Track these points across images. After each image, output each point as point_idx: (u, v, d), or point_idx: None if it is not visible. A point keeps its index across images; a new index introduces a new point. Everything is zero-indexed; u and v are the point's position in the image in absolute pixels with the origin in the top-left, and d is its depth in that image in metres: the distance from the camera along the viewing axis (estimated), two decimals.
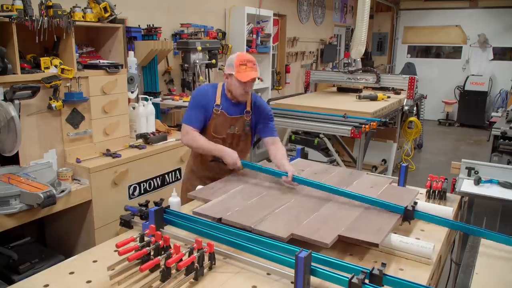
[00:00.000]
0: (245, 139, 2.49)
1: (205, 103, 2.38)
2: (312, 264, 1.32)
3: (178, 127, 4.42)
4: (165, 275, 1.36)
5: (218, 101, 2.38)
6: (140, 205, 1.78)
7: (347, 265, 1.35)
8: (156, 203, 1.73)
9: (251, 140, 2.57)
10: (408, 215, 1.82)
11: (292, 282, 1.33)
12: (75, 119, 2.87)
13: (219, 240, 1.56)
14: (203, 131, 2.39)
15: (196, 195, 2.06)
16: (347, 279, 1.27)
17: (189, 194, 2.09)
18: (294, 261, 1.28)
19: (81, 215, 2.82)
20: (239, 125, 2.42)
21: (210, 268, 1.48)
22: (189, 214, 1.78)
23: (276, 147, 2.42)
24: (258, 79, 2.45)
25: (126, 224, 1.77)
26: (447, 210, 1.95)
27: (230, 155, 2.26)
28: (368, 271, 1.27)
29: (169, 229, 1.71)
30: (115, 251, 1.61)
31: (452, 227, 1.87)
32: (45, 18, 2.59)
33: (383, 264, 1.31)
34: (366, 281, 1.25)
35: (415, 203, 1.93)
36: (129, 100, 3.42)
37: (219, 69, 5.10)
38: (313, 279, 1.34)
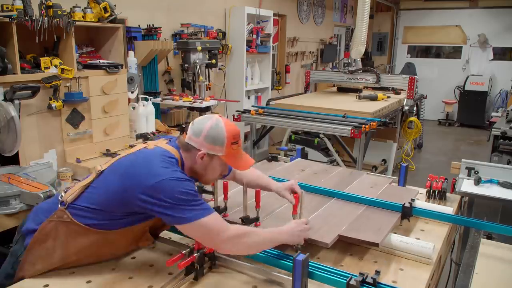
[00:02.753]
0: None
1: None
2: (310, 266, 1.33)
3: (178, 127, 4.43)
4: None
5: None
6: None
7: (341, 273, 1.34)
8: None
9: None
10: (406, 212, 1.83)
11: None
12: (75, 119, 2.87)
13: None
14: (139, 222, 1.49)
15: None
16: (345, 282, 1.27)
17: None
18: (292, 264, 1.28)
19: None
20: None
21: (210, 268, 1.48)
22: None
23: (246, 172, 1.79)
24: None
25: None
26: (447, 210, 1.95)
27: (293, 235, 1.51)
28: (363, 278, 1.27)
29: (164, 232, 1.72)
30: None
31: (450, 221, 1.88)
32: (45, 18, 2.59)
33: (377, 272, 1.31)
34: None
35: (413, 200, 1.93)
36: (129, 100, 3.42)
37: (219, 69, 5.11)
38: (311, 282, 1.34)
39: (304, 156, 2.87)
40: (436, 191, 2.22)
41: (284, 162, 2.71)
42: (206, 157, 1.49)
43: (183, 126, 4.59)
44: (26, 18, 2.51)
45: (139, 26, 4.06)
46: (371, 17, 8.35)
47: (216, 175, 1.60)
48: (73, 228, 1.41)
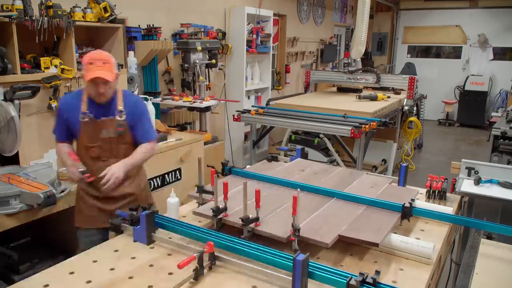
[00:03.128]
0: (124, 141, 2.26)
1: (68, 115, 2.21)
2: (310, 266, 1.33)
3: (178, 127, 4.43)
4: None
5: (84, 109, 2.18)
6: (131, 209, 1.79)
7: (341, 273, 1.34)
8: (144, 208, 1.74)
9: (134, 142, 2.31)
10: (406, 212, 1.83)
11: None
12: None
13: (214, 244, 1.56)
14: (77, 143, 2.26)
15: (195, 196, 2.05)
16: (345, 282, 1.27)
17: (189, 194, 2.09)
18: (292, 264, 1.28)
19: None
20: (111, 126, 2.21)
21: (210, 268, 1.49)
22: (178, 220, 1.79)
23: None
24: (104, 81, 2.10)
25: (116, 228, 1.77)
26: (447, 210, 1.95)
27: (70, 170, 2.18)
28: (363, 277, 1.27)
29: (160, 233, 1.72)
30: (115, 250, 1.62)
31: (450, 221, 1.88)
32: (45, 18, 2.59)
33: (377, 272, 1.31)
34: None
35: (413, 200, 1.93)
36: None
37: (219, 69, 5.11)
38: (311, 282, 1.34)
39: (304, 156, 2.87)
40: (436, 191, 2.22)
41: (284, 162, 2.71)
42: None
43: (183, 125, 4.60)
44: (26, 18, 2.51)
45: (139, 26, 4.06)
46: (371, 17, 8.35)
47: (92, 92, 2.14)
48: None
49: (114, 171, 2.12)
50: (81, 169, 2.12)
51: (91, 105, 2.19)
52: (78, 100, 2.20)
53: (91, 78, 2.05)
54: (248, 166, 2.62)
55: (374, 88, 6.26)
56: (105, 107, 2.21)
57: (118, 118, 2.21)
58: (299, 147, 2.57)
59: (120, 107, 2.23)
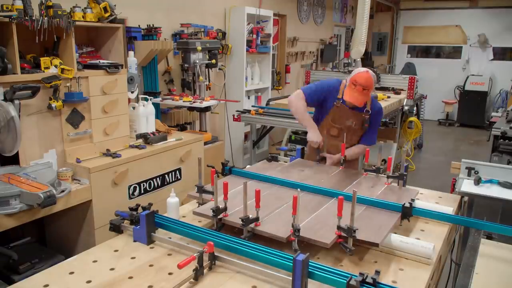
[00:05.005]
0: (359, 134, 2.78)
1: (327, 94, 2.73)
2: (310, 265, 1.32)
3: (178, 127, 4.43)
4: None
5: (340, 95, 2.70)
6: (131, 209, 1.79)
7: (341, 273, 1.34)
8: (144, 208, 1.74)
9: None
10: (406, 212, 1.83)
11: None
12: (75, 119, 2.87)
13: (214, 244, 1.56)
14: (323, 119, 2.79)
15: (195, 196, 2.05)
16: (345, 282, 1.27)
17: (189, 194, 2.09)
18: (292, 264, 1.28)
19: (81, 215, 2.82)
20: (357, 120, 2.70)
21: (210, 268, 1.49)
22: (178, 220, 1.79)
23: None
24: (363, 106, 2.67)
25: (116, 228, 1.77)
26: (447, 210, 1.95)
27: (315, 133, 2.67)
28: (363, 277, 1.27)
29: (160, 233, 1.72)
30: (115, 250, 1.62)
31: (450, 221, 1.88)
32: (45, 18, 2.59)
33: (377, 272, 1.31)
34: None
35: (413, 200, 1.93)
36: (129, 100, 3.42)
37: (219, 69, 5.11)
38: (311, 282, 1.34)
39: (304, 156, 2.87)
40: None
41: (284, 162, 2.71)
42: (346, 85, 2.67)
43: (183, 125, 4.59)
44: (26, 18, 2.51)
45: (139, 26, 4.05)
46: (371, 17, 8.35)
47: (346, 100, 2.65)
48: None
49: (334, 161, 2.66)
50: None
51: None
52: (338, 87, 2.74)
53: (351, 101, 2.58)
54: (248, 166, 2.62)
55: (374, 88, 6.25)
56: None
57: (364, 115, 2.70)
58: (299, 147, 2.58)
59: (369, 107, 2.69)
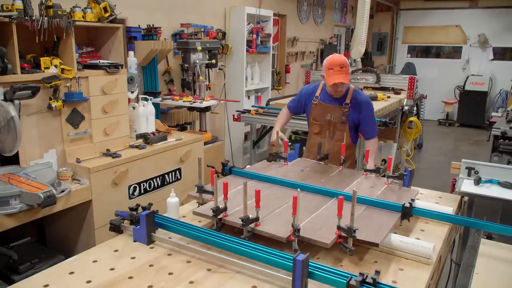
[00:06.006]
0: (341, 129, 2.83)
1: (307, 98, 2.95)
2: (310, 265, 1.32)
3: (178, 127, 4.43)
4: None
5: (317, 94, 2.91)
6: (131, 209, 1.78)
7: (341, 273, 1.34)
8: (144, 208, 1.74)
9: (352, 135, 2.89)
10: (406, 212, 1.83)
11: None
12: (75, 119, 2.87)
13: (214, 244, 1.56)
14: (308, 120, 3.01)
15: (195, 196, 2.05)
16: (345, 282, 1.27)
17: (189, 194, 2.09)
18: (292, 264, 1.28)
19: (81, 215, 2.82)
20: (335, 113, 2.83)
21: (210, 269, 1.49)
22: (178, 220, 1.79)
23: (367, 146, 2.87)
24: (342, 98, 2.81)
25: (116, 228, 1.77)
26: (447, 210, 1.95)
27: (273, 133, 2.88)
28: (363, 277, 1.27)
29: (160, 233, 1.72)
30: (115, 250, 1.62)
31: (450, 221, 1.88)
32: (45, 18, 2.58)
33: (377, 272, 1.30)
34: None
35: (413, 200, 1.93)
36: (129, 100, 3.42)
37: (219, 69, 5.10)
38: (311, 282, 1.34)
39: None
40: None
41: (284, 158, 2.67)
42: (323, 77, 2.76)
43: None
44: (26, 18, 2.51)
45: (139, 26, 4.05)
46: (371, 17, 8.35)
47: (328, 89, 2.79)
48: None
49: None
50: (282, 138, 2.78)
51: (323, 93, 2.88)
52: (315, 88, 2.95)
53: (334, 83, 2.63)
54: (248, 166, 2.62)
55: (374, 88, 6.26)
56: (335, 97, 2.82)
57: (342, 108, 2.79)
58: (297, 144, 2.60)
59: (348, 100, 2.79)
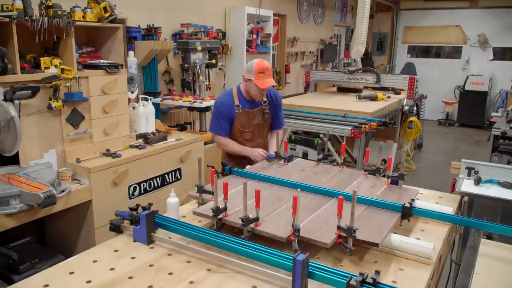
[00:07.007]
0: (267, 125, 3.01)
1: (226, 110, 2.86)
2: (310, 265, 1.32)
3: (178, 127, 4.43)
4: None
5: (237, 102, 2.87)
6: (131, 209, 1.78)
7: (341, 273, 1.33)
8: (144, 208, 1.73)
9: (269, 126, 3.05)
10: (406, 212, 1.83)
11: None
12: (75, 119, 2.87)
13: (214, 244, 1.56)
14: (232, 128, 2.92)
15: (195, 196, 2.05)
16: (345, 282, 1.27)
17: (189, 194, 2.09)
18: (292, 264, 1.28)
19: (81, 215, 2.82)
20: (260, 115, 2.93)
21: (209, 269, 1.49)
22: (178, 220, 1.79)
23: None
24: (273, 86, 2.90)
25: (116, 228, 1.77)
26: (447, 210, 1.95)
27: (253, 151, 2.82)
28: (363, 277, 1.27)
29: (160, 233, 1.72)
30: (115, 250, 1.62)
31: (450, 221, 1.88)
32: (45, 18, 2.58)
33: (377, 272, 1.30)
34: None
35: (413, 200, 1.93)
36: (129, 100, 3.42)
37: (219, 69, 5.11)
38: (311, 282, 1.34)
39: (304, 156, 2.87)
40: None
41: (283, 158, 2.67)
42: (247, 81, 2.78)
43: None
44: (26, 18, 2.51)
45: (139, 26, 4.06)
46: (371, 17, 8.35)
47: (257, 94, 2.79)
48: None
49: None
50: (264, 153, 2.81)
51: (242, 99, 2.89)
52: (230, 98, 2.89)
53: (268, 86, 2.74)
54: (248, 166, 2.62)
55: (374, 88, 6.26)
56: (252, 100, 2.89)
57: (263, 107, 2.93)
58: (288, 154, 2.60)
59: (264, 98, 2.90)
